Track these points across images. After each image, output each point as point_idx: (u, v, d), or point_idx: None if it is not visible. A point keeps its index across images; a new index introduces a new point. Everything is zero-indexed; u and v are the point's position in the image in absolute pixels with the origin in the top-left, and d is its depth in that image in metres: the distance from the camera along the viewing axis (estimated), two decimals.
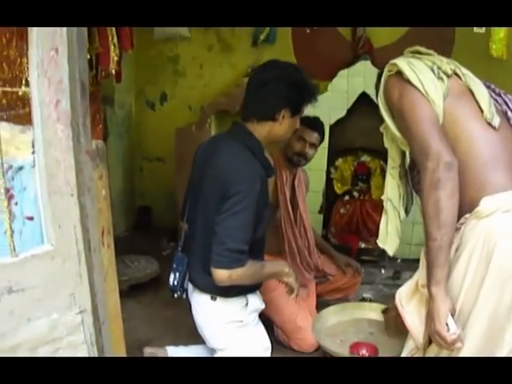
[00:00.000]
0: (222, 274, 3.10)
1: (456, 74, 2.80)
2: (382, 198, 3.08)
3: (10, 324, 1.70)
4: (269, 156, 3.58)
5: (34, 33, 1.63)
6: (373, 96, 6.48)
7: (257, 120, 3.30)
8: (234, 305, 3.37)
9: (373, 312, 3.76)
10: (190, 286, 3.47)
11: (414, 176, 2.94)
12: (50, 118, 1.68)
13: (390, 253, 3.09)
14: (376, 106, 6.54)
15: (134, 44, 6.05)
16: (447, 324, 2.49)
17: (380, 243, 3.10)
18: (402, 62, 2.78)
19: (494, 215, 2.51)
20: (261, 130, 3.31)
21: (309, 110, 5.63)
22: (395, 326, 3.49)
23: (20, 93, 4.65)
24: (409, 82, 2.71)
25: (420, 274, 2.78)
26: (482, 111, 2.69)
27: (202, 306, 3.40)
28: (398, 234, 3.05)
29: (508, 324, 2.48)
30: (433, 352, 2.69)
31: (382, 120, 2.97)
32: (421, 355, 2.79)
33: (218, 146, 3.40)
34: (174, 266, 3.52)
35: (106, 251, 2.19)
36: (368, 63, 6.63)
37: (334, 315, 3.72)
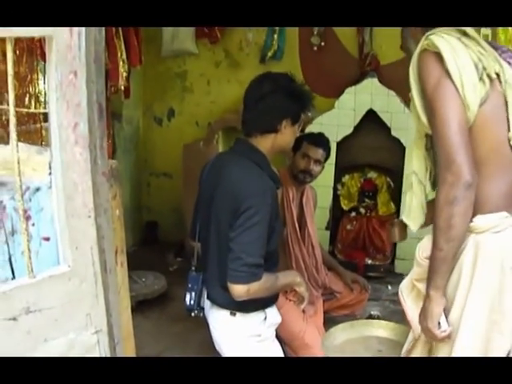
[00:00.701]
0: (239, 289, 3.11)
1: (497, 76, 2.63)
2: (408, 171, 3.01)
3: (28, 344, 1.71)
4: (275, 170, 3.60)
5: (53, 56, 1.65)
6: (379, 113, 6.56)
7: (260, 134, 3.31)
8: (253, 319, 3.37)
9: (381, 329, 3.74)
10: (208, 303, 3.47)
11: None
12: (69, 141, 1.70)
13: (414, 229, 2.99)
14: (382, 124, 6.59)
15: (142, 60, 6.10)
16: (439, 322, 2.60)
17: (404, 218, 3.03)
18: (445, 47, 2.56)
19: (484, 234, 2.56)
20: (265, 143, 3.32)
21: (316, 127, 5.67)
22: (399, 236, 3.57)
23: (31, 108, 4.66)
24: (448, 73, 2.53)
25: (415, 270, 2.84)
26: (509, 129, 2.62)
27: (221, 322, 3.40)
28: (423, 210, 2.93)
29: (493, 335, 2.56)
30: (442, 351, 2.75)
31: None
32: (419, 346, 2.89)
33: (224, 163, 3.41)
34: (189, 285, 3.51)
35: (120, 270, 2.20)
36: (375, 80, 6.66)
37: (342, 333, 3.69)
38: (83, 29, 1.71)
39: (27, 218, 1.82)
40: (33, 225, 1.89)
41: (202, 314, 3.53)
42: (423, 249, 2.76)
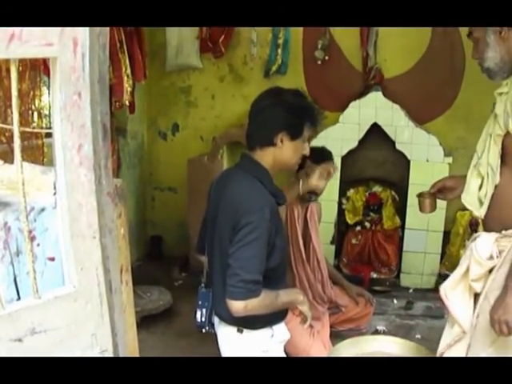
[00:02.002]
0: (237, 305, 3.10)
1: None
2: (480, 161, 3.12)
3: None
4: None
5: (57, 77, 1.66)
6: (384, 127, 6.57)
7: (259, 147, 3.31)
8: (260, 336, 3.36)
9: (387, 345, 3.74)
10: (216, 319, 3.47)
11: None
12: (73, 162, 1.69)
13: (482, 215, 3.16)
14: (387, 137, 6.60)
15: (146, 75, 6.11)
16: None
17: (471, 207, 3.19)
18: None
19: None
20: (265, 158, 3.31)
21: (321, 141, 5.67)
22: (430, 206, 3.69)
23: (33, 125, 4.67)
24: None
25: (474, 271, 3.05)
26: None
27: (229, 337, 3.39)
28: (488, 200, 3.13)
29: None
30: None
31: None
32: (467, 340, 3.14)
33: (228, 179, 3.42)
34: (200, 302, 3.51)
35: (125, 289, 2.20)
36: (379, 94, 6.66)
37: (348, 349, 3.68)
38: (87, 49, 1.71)
39: (32, 239, 1.82)
40: (38, 245, 1.90)
41: (212, 331, 3.53)
42: (484, 250, 3.02)
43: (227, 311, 3.26)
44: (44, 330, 1.71)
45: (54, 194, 1.84)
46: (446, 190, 3.59)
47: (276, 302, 3.31)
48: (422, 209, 3.76)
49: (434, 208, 3.71)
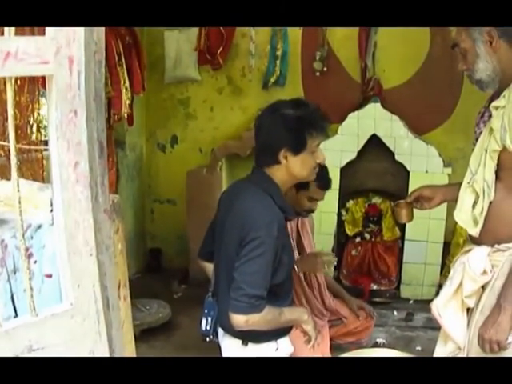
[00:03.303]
0: (238, 319, 3.10)
1: None
2: (475, 178, 3.06)
3: None
4: None
5: (53, 95, 1.66)
6: (383, 138, 6.56)
7: (266, 167, 3.30)
8: (265, 350, 3.36)
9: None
10: (221, 331, 3.46)
11: None
12: (70, 180, 1.69)
13: (478, 234, 3.07)
14: (386, 149, 6.59)
15: (145, 87, 6.11)
16: None
17: (465, 225, 3.12)
18: None
19: None
20: (276, 174, 3.30)
21: None
22: (406, 216, 3.66)
23: (32, 137, 4.67)
24: None
25: (466, 288, 3.02)
26: None
27: (233, 350, 3.39)
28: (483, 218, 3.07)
29: None
30: None
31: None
32: (463, 356, 3.10)
33: (238, 191, 3.41)
34: (206, 310, 3.51)
35: (122, 304, 2.20)
36: (378, 105, 6.66)
37: None
38: (83, 67, 1.71)
39: (29, 256, 1.82)
40: (35, 262, 1.89)
41: (216, 340, 3.53)
42: (477, 265, 3.00)
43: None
44: (41, 348, 1.71)
45: (51, 210, 1.84)
46: (423, 200, 3.56)
47: (279, 319, 3.31)
48: (398, 218, 3.75)
49: (410, 218, 3.67)
